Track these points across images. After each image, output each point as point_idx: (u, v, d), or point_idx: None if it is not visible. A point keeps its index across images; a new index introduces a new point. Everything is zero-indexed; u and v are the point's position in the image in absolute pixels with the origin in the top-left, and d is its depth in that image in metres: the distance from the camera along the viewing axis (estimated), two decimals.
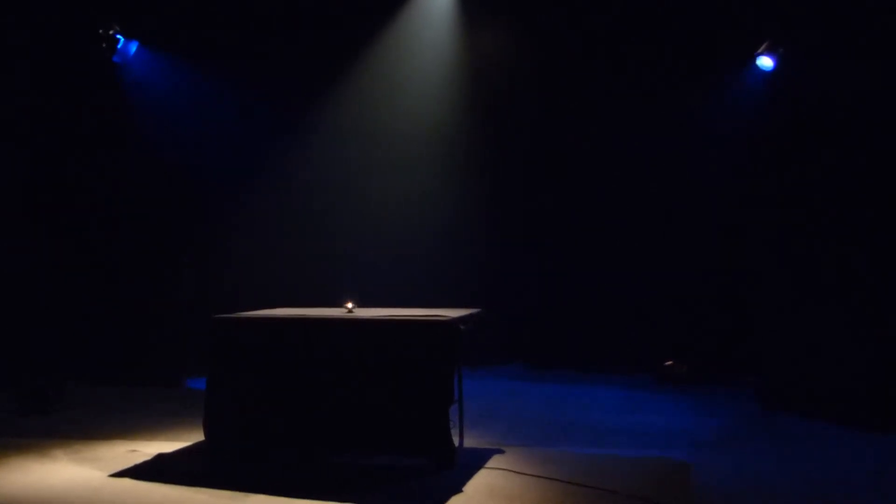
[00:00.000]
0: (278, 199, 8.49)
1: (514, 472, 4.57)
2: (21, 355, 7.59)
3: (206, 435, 5.11)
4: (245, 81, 8.36)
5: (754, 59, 7.17)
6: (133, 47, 7.98)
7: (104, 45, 7.73)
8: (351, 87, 8.39)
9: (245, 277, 8.17)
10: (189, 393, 7.17)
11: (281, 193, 8.50)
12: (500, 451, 5.04)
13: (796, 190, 6.57)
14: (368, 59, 8.33)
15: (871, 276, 5.97)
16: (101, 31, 7.70)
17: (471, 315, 5.22)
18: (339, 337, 5.00)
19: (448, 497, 4.12)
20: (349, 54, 8.33)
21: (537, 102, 8.31)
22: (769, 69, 7.11)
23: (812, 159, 6.45)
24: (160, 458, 5.00)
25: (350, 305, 5.43)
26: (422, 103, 8.34)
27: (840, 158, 6.24)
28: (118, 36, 7.80)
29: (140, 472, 4.65)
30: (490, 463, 4.77)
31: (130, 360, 7.89)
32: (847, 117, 6.16)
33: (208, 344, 5.19)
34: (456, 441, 4.85)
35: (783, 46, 6.90)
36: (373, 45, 8.31)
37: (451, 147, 8.40)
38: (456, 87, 8.33)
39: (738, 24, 7.21)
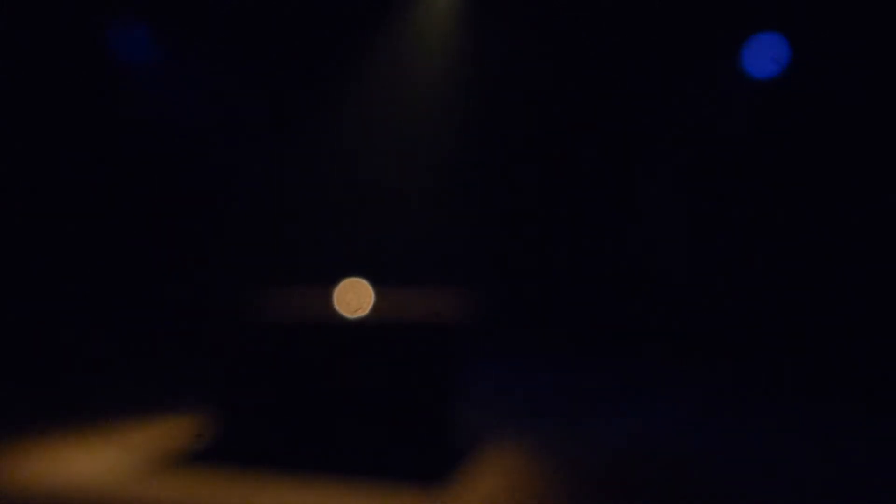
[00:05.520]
0: (290, 185, 8.57)
1: (519, 456, 4.62)
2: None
3: (213, 426, 5.17)
4: (256, 69, 8.40)
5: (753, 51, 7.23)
6: (137, 36, 7.99)
7: (108, 34, 7.75)
8: (361, 78, 8.48)
9: (251, 258, 8.25)
10: (197, 383, 7.16)
11: (292, 181, 8.58)
12: (504, 438, 5.07)
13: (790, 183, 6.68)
14: (375, 54, 8.41)
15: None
16: (105, 19, 7.71)
17: (473, 304, 5.26)
18: (344, 335, 5.04)
19: (452, 485, 4.16)
20: (359, 48, 8.40)
21: (538, 97, 8.38)
22: (769, 61, 7.16)
23: (808, 154, 6.51)
24: (168, 446, 5.02)
25: (358, 282, 5.40)
26: (427, 95, 8.41)
27: (837, 154, 6.29)
28: (123, 26, 7.82)
29: (147, 460, 4.68)
30: (493, 451, 4.80)
31: (139, 348, 7.92)
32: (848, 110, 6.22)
33: (221, 340, 5.25)
34: (459, 430, 4.90)
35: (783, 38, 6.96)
36: (380, 41, 8.38)
37: (452, 140, 8.45)
38: (461, 81, 8.40)
39: (737, 18, 7.27)
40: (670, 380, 7.11)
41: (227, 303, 5.43)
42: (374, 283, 5.66)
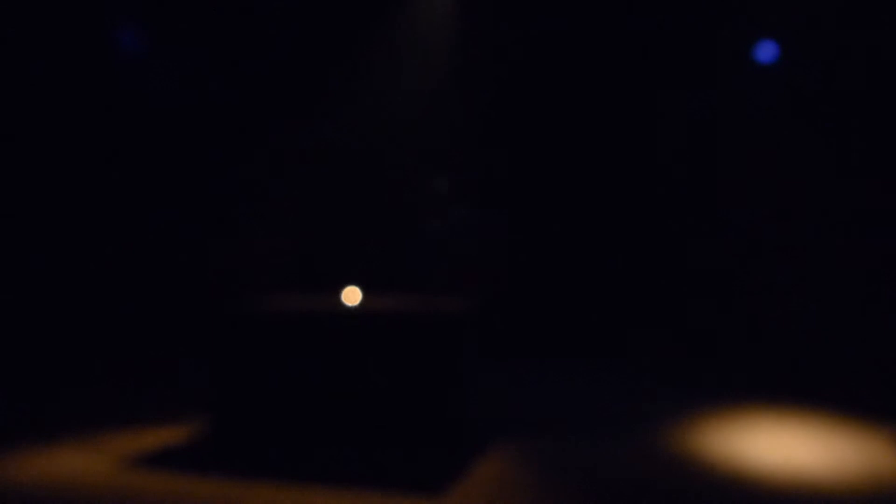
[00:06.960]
0: (284, 184, 8.56)
1: (521, 459, 4.59)
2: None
3: (209, 425, 5.13)
4: (257, 68, 8.39)
5: (755, 51, 7.22)
6: (133, 33, 7.98)
7: (108, 32, 7.75)
8: (361, 78, 8.49)
9: (243, 262, 8.22)
10: (192, 382, 7.16)
11: (285, 179, 8.57)
12: (505, 439, 5.06)
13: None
14: (376, 53, 8.42)
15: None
16: (105, 18, 7.71)
17: (474, 302, 5.25)
18: (343, 331, 5.01)
19: (453, 485, 4.14)
20: (359, 47, 8.41)
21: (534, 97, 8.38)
22: (769, 61, 7.17)
23: (808, 153, 6.51)
24: (165, 447, 5.00)
25: (353, 290, 5.39)
26: (427, 95, 8.43)
27: (837, 155, 6.30)
28: (122, 23, 7.81)
29: (144, 462, 4.66)
30: (495, 451, 4.79)
31: (138, 348, 7.90)
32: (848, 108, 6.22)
33: (212, 334, 5.21)
34: (461, 429, 4.87)
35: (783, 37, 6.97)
36: (380, 39, 8.39)
37: (451, 140, 8.46)
38: (460, 82, 8.41)
39: (738, 16, 7.27)
40: (675, 382, 7.11)
41: (227, 304, 5.41)
42: (375, 286, 5.67)
